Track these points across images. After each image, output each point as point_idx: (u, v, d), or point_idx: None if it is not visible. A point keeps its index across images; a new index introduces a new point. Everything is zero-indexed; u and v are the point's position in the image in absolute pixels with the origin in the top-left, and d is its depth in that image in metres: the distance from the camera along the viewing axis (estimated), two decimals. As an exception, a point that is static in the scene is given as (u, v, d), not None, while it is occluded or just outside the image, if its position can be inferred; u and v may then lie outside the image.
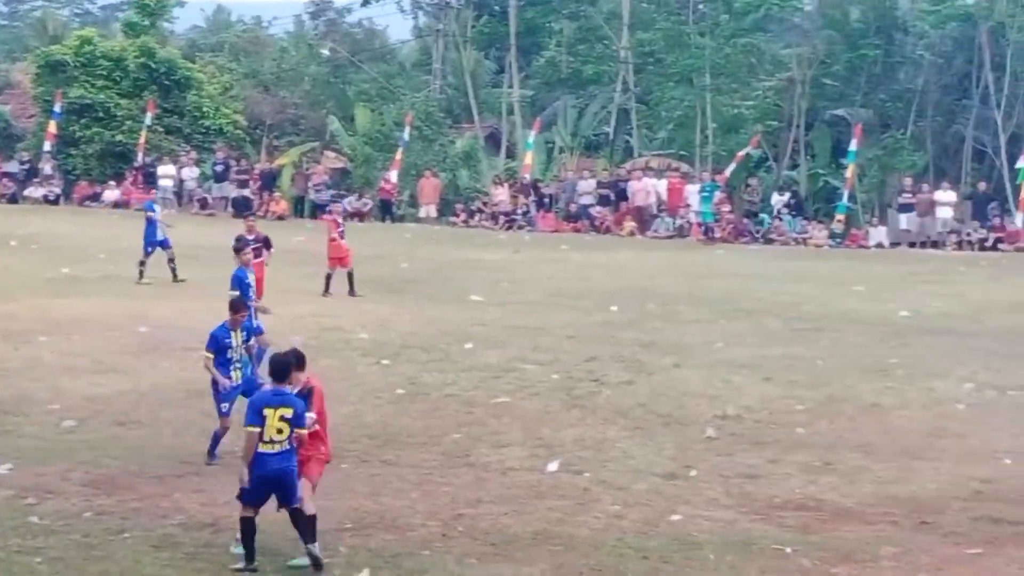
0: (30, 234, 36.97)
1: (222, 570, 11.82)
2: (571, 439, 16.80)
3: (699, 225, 43.62)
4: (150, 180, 49.28)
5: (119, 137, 50.81)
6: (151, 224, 29.81)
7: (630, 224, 44.99)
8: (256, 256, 22.33)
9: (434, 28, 61.35)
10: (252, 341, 16.25)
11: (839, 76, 50.20)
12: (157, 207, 30.90)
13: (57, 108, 50.43)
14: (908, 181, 44.95)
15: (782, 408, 18.64)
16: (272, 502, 11.93)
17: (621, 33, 52.82)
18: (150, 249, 29.68)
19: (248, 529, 11.84)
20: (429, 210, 47.92)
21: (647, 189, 46.03)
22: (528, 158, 49.12)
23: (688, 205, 44.99)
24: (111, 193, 49.06)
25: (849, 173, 45.21)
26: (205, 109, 52.44)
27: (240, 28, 73.57)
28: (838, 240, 43.45)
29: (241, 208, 47.58)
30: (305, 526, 11.77)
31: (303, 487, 12.00)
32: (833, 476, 15.40)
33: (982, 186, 45.13)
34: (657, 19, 51.87)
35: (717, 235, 43.08)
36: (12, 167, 50.36)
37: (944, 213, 43.40)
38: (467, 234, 43.84)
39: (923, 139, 48.62)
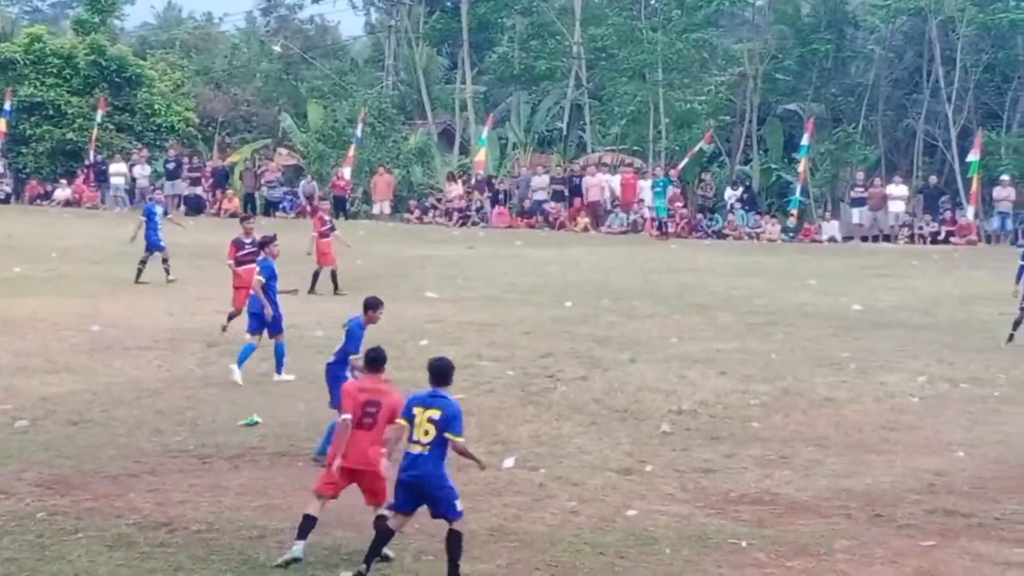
0: (-20, 234, 36.63)
1: (177, 570, 11.75)
2: (527, 435, 16.79)
3: (653, 220, 43.70)
4: (101, 178, 49.12)
5: (70, 135, 50.57)
6: (151, 224, 29.48)
7: (584, 220, 45.13)
8: (249, 262, 22.03)
9: (386, 24, 61.32)
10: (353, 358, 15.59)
11: (791, 71, 50.47)
12: (158, 208, 30.52)
13: (7, 106, 50.16)
14: (860, 175, 45.36)
15: (737, 402, 18.72)
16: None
17: (573, 29, 52.85)
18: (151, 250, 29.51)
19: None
20: (383, 207, 47.92)
21: (601, 185, 46.19)
22: (481, 154, 49.05)
23: (642, 200, 45.11)
24: (62, 192, 48.88)
25: (801, 167, 45.42)
26: (156, 107, 52.18)
27: (191, 25, 73.33)
28: (791, 234, 43.70)
29: (193, 205, 47.44)
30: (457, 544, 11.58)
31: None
32: (788, 470, 15.47)
33: (933, 180, 45.43)
34: (609, 14, 51.85)
35: (671, 230, 43.18)
36: (-38, 167, 50.04)
37: (896, 207, 43.79)
38: (421, 230, 43.81)
39: (875, 133, 48.89)
